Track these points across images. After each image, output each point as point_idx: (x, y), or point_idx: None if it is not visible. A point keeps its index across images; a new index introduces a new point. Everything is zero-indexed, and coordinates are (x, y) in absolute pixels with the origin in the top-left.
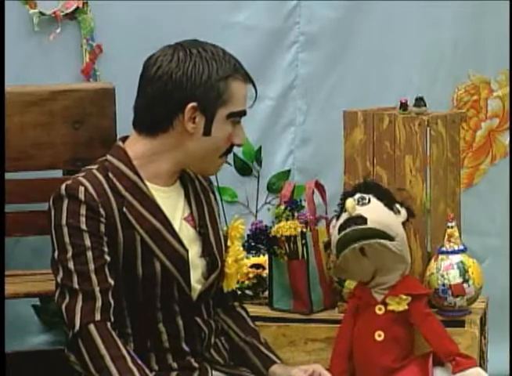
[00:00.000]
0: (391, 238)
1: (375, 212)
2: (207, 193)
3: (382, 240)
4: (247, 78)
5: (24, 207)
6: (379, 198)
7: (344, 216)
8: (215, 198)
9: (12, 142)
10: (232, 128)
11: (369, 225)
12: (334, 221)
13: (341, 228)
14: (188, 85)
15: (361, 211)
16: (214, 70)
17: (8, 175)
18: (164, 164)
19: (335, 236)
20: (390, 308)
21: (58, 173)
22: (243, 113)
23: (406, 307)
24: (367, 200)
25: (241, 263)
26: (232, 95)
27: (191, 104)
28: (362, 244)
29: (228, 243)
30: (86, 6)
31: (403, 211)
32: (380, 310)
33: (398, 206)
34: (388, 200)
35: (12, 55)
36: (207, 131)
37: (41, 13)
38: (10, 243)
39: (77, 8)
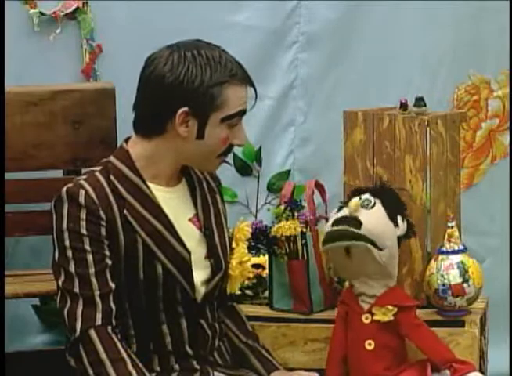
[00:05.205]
0: (377, 248)
1: (373, 220)
2: (213, 195)
3: (369, 245)
4: (246, 80)
5: (24, 207)
6: (384, 206)
7: (344, 212)
8: (222, 199)
9: (12, 142)
10: (229, 130)
11: (362, 231)
12: (335, 211)
13: (335, 222)
14: (179, 91)
15: (361, 213)
16: (207, 76)
17: (8, 175)
18: (162, 165)
19: (327, 226)
20: (376, 318)
21: (58, 173)
22: (241, 113)
23: (392, 318)
24: (372, 204)
25: (246, 266)
26: (227, 99)
27: (182, 109)
28: (349, 244)
29: (233, 244)
30: (86, 6)
31: (403, 226)
32: (366, 319)
33: (400, 219)
34: (392, 211)
35: (12, 55)
36: (200, 135)
37: (41, 13)
38: (10, 243)
39: (77, 8)
